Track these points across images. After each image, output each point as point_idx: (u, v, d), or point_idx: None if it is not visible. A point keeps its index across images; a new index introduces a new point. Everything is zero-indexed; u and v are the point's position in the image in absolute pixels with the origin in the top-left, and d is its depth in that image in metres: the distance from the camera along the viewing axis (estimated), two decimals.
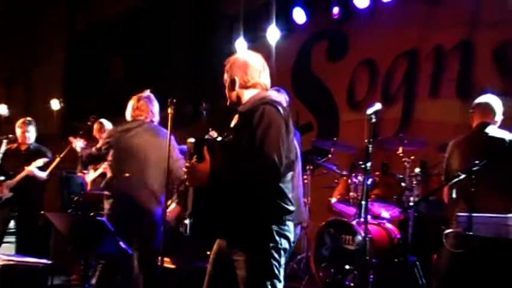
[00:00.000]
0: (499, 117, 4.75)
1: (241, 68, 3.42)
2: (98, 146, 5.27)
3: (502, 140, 4.45)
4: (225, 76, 3.50)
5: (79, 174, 7.07)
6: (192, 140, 3.22)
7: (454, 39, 7.06)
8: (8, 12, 11.64)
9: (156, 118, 5.35)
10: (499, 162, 4.08)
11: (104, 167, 6.82)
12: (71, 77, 11.86)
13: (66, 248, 6.34)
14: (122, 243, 4.53)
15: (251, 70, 3.42)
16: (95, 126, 7.14)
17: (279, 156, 3.10)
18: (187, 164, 3.20)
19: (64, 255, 6.71)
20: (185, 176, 3.23)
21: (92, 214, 5.68)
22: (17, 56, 12.31)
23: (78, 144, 5.80)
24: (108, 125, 7.22)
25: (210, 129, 3.59)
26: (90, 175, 6.93)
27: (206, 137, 3.28)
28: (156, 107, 5.31)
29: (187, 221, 3.25)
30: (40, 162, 7.09)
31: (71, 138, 5.97)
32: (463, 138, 4.73)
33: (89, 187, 6.93)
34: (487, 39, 6.76)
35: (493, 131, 4.59)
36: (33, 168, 7.06)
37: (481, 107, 4.79)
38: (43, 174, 7.12)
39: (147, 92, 5.42)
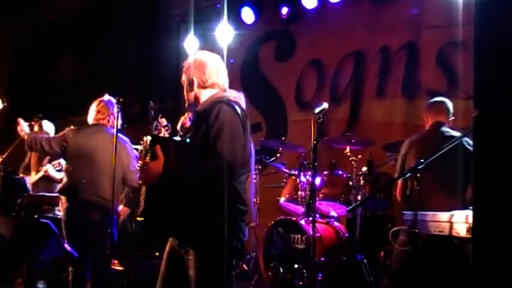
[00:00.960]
0: (451, 117, 4.87)
1: (199, 68, 3.41)
2: (51, 144, 5.12)
3: (453, 139, 4.55)
4: (183, 77, 3.48)
5: (21, 175, 6.89)
6: (147, 137, 3.18)
7: (399, 41, 7.19)
8: None
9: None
10: (449, 160, 4.16)
11: (44, 169, 6.69)
12: (16, 76, 11.55)
13: (9, 251, 6.17)
14: (67, 246, 4.44)
15: (209, 70, 3.40)
16: (35, 127, 6.99)
17: (233, 155, 3.10)
18: (140, 162, 3.16)
19: (7, 258, 6.54)
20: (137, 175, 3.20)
21: (36, 216, 5.55)
22: None
23: (25, 127, 5.66)
24: (47, 126, 7.09)
25: (160, 116, 3.57)
26: (32, 177, 6.77)
27: (156, 133, 3.25)
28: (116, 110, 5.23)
29: (138, 218, 3.21)
30: None
31: (20, 120, 5.79)
32: (418, 137, 4.82)
33: (30, 189, 6.76)
34: (432, 41, 6.90)
35: (446, 131, 4.70)
36: None
37: (436, 107, 4.90)
38: None
39: (107, 96, 5.35)
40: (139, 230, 3.29)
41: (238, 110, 3.24)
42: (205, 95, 3.39)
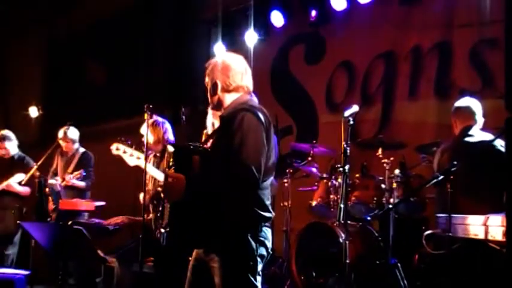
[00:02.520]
0: (480, 119, 4.79)
1: (223, 71, 3.36)
2: None
3: (482, 143, 4.48)
4: (206, 79, 3.45)
5: (52, 181, 6.99)
6: (171, 149, 3.19)
7: (431, 40, 7.07)
8: None
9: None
10: (478, 165, 4.10)
11: (67, 179, 6.74)
12: (50, 83, 11.74)
13: (45, 257, 6.28)
14: (100, 252, 4.49)
15: (233, 73, 3.36)
16: (59, 133, 7.09)
17: (258, 164, 3.07)
18: (161, 182, 3.18)
19: (44, 265, 6.65)
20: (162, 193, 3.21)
21: (70, 223, 5.63)
22: None
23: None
24: (72, 133, 7.16)
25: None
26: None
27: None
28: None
29: (163, 231, 3.23)
30: (19, 177, 7.05)
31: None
32: (449, 145, 4.79)
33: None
34: (464, 39, 6.78)
35: (475, 134, 4.61)
36: (12, 182, 7.03)
37: (461, 112, 4.87)
38: (22, 189, 7.09)
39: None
40: (165, 242, 3.30)
41: (262, 117, 3.20)
42: (229, 99, 3.36)
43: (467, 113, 4.85)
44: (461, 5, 6.83)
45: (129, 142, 5.11)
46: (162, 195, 3.26)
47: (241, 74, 3.39)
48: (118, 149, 5.10)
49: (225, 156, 3.10)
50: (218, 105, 3.40)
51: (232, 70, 3.37)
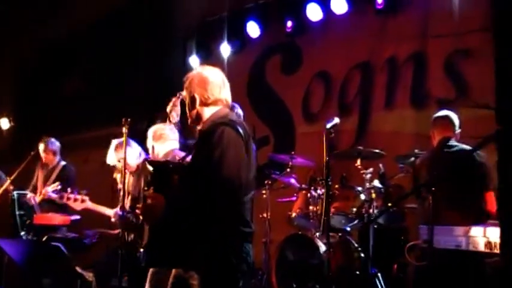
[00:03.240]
0: (458, 129, 4.86)
1: (201, 85, 3.31)
2: None
3: (464, 154, 4.52)
4: (184, 93, 3.40)
5: (29, 195, 6.86)
6: (149, 166, 3.14)
7: (406, 50, 7.14)
8: None
9: None
10: (460, 176, 4.12)
11: (43, 192, 6.64)
12: (22, 94, 11.56)
13: (19, 274, 6.13)
14: (78, 268, 4.41)
15: (211, 86, 3.31)
16: (40, 145, 6.97)
17: (238, 178, 3.03)
18: (138, 205, 3.14)
19: (17, 281, 6.50)
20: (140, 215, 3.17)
21: (45, 238, 5.52)
22: None
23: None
24: (53, 144, 7.05)
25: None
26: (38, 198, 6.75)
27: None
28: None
29: (142, 249, 3.19)
30: None
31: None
32: (428, 156, 4.84)
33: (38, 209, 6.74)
34: (439, 49, 6.86)
35: (454, 145, 4.70)
36: None
37: (440, 122, 4.92)
38: None
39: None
40: (144, 261, 3.25)
41: (241, 131, 3.16)
42: (208, 112, 3.31)
43: (446, 123, 4.89)
44: (436, 16, 6.92)
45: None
46: (141, 217, 3.22)
47: (220, 87, 3.34)
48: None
49: (205, 171, 3.06)
50: (197, 119, 3.35)
51: (210, 83, 3.32)
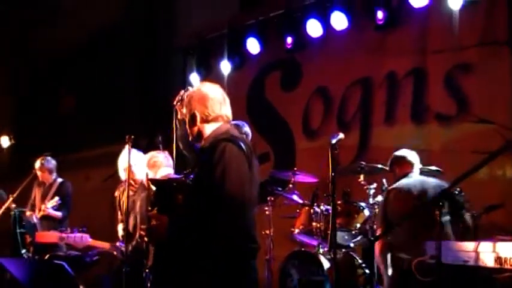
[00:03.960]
0: (417, 166, 5.28)
1: (201, 102, 3.31)
2: None
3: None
4: (184, 111, 3.39)
5: (29, 213, 6.85)
6: (152, 187, 3.14)
7: (406, 66, 7.16)
8: None
9: None
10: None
11: (43, 208, 6.64)
12: (22, 112, 11.57)
13: None
14: (81, 286, 4.38)
15: (211, 103, 3.31)
16: (36, 164, 6.97)
17: (241, 193, 3.02)
18: (143, 226, 3.13)
19: None
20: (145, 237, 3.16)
21: (47, 257, 5.50)
22: None
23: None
24: (49, 163, 7.06)
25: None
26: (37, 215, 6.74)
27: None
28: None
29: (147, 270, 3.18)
30: None
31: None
32: (397, 186, 5.12)
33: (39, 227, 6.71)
34: (438, 64, 6.88)
35: (418, 178, 5.17)
36: None
37: (400, 161, 5.32)
38: None
39: None
40: (150, 283, 3.24)
41: (243, 146, 3.15)
42: (209, 129, 3.30)
43: (405, 162, 5.25)
44: (435, 31, 6.95)
45: None
46: (145, 238, 3.21)
47: (220, 103, 3.34)
48: None
49: (208, 188, 3.04)
50: (198, 137, 3.34)
51: (210, 100, 3.32)
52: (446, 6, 6.59)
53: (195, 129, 3.33)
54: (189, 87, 3.56)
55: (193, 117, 3.31)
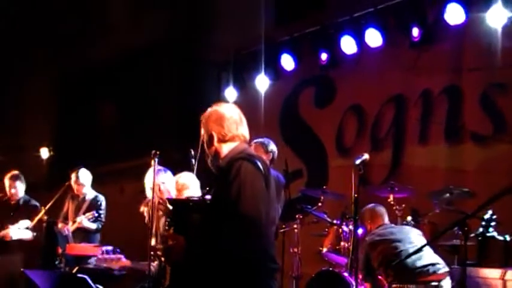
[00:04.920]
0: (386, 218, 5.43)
1: (218, 122, 3.32)
2: None
3: None
4: (202, 131, 3.41)
5: (60, 225, 6.95)
6: (169, 206, 3.14)
7: (441, 84, 7.06)
8: None
9: None
10: None
11: (78, 220, 6.73)
12: (61, 125, 11.80)
13: None
14: None
15: (228, 123, 3.31)
16: (72, 177, 7.07)
17: (258, 212, 3.00)
18: (159, 246, 3.13)
19: None
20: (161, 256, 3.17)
21: (75, 270, 5.55)
22: (6, 103, 12.26)
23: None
24: (84, 176, 7.13)
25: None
26: (70, 227, 6.82)
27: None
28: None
29: None
30: (23, 224, 7.00)
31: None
32: (377, 236, 5.20)
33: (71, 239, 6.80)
34: (474, 83, 6.76)
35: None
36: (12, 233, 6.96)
37: (370, 213, 5.43)
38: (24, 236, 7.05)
39: None
40: None
41: (260, 165, 3.14)
42: (226, 149, 3.30)
43: (375, 214, 5.40)
44: (471, 49, 6.83)
45: None
46: (162, 258, 3.21)
47: (236, 123, 3.34)
48: None
49: (225, 208, 3.04)
50: (216, 157, 3.34)
51: (227, 120, 3.32)
52: (484, 24, 6.47)
53: (213, 149, 3.34)
54: (215, 104, 3.56)
55: (210, 138, 3.33)
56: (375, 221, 5.34)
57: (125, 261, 5.49)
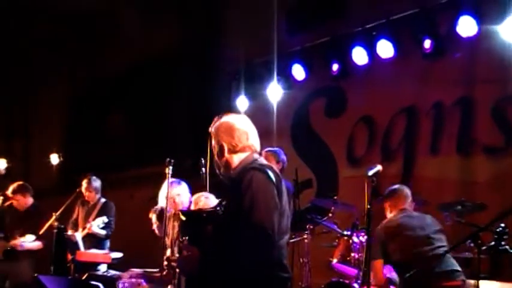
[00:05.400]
0: (410, 201, 5.35)
1: (228, 133, 3.33)
2: None
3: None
4: (212, 142, 3.42)
5: (70, 231, 6.99)
6: (181, 216, 3.16)
7: (453, 96, 7.03)
8: (8, 65, 11.68)
9: None
10: None
11: (88, 226, 6.76)
12: (71, 131, 11.86)
13: None
14: None
15: (238, 133, 3.33)
16: (83, 183, 7.12)
17: (271, 222, 3.00)
18: (173, 257, 3.15)
19: None
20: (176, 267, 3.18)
21: (85, 276, 5.56)
22: (16, 109, 12.35)
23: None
24: (95, 182, 7.19)
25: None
26: (80, 234, 6.85)
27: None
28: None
29: None
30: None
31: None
32: (394, 224, 5.13)
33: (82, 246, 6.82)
34: (486, 95, 6.74)
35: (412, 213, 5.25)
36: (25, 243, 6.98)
37: (394, 195, 5.33)
38: (34, 245, 7.06)
39: None
40: None
41: (271, 175, 3.15)
42: (236, 159, 3.32)
43: (399, 196, 5.29)
44: (484, 61, 6.80)
45: None
46: (177, 269, 3.22)
47: (246, 133, 3.36)
48: None
49: (238, 218, 3.04)
50: (227, 167, 3.35)
51: (237, 131, 3.34)
52: (497, 37, 6.46)
53: (224, 160, 3.35)
54: (224, 115, 3.57)
55: (221, 149, 3.34)
56: (396, 204, 5.27)
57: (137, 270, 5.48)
